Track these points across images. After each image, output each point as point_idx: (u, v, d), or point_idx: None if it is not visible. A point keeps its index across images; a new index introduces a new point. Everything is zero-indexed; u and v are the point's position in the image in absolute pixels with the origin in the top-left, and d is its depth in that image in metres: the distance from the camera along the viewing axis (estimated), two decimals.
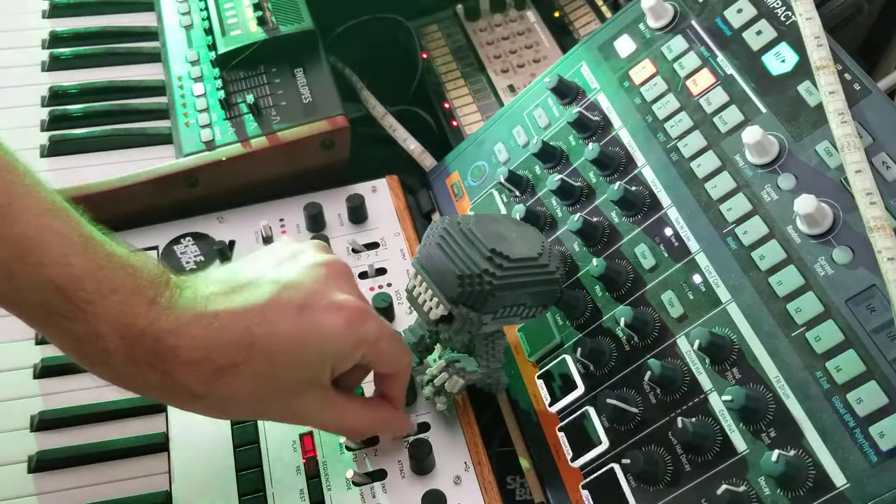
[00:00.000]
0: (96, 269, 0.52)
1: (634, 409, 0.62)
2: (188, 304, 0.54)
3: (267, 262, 0.60)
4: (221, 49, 0.88)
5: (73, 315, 0.52)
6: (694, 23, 0.72)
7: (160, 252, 0.81)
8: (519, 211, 0.74)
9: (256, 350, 0.55)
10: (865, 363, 0.54)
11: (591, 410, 0.65)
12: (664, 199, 0.68)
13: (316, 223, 0.81)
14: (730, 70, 0.69)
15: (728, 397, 0.57)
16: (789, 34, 0.67)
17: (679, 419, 0.58)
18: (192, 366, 0.54)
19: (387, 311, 0.74)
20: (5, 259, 0.50)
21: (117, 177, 0.80)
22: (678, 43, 0.73)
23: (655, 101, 0.72)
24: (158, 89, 0.90)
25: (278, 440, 0.68)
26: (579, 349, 0.65)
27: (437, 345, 0.70)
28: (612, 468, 0.62)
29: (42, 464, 0.66)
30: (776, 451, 0.53)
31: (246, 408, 0.59)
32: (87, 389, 0.70)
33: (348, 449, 0.68)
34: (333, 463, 0.67)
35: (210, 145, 0.82)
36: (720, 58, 0.70)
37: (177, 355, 0.53)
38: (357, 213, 0.82)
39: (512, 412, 0.71)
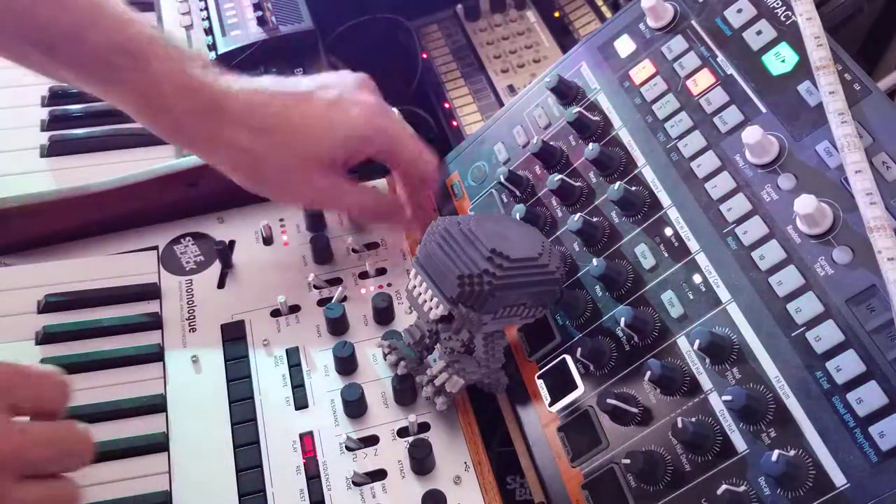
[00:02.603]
0: (148, 40, 0.65)
1: (634, 410, 0.62)
2: (239, 79, 0.68)
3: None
4: (221, 49, 0.88)
5: (138, 68, 0.64)
6: (694, 23, 0.72)
7: (160, 252, 0.81)
8: (519, 211, 0.74)
9: (291, 124, 0.68)
10: (865, 363, 0.54)
11: (591, 410, 0.65)
12: (664, 199, 0.68)
13: (316, 223, 0.81)
14: (730, 70, 0.69)
15: (728, 397, 0.57)
16: (789, 34, 0.67)
17: (679, 419, 0.58)
18: (240, 122, 0.66)
19: (387, 311, 0.74)
20: (78, 25, 0.63)
21: (117, 177, 0.80)
22: (678, 43, 0.73)
23: (655, 101, 0.72)
24: None
25: (278, 440, 0.68)
26: (579, 349, 0.65)
27: (437, 345, 0.70)
28: (612, 468, 0.62)
29: None
30: (776, 451, 0.53)
31: (275, 173, 0.69)
32: (87, 389, 0.70)
33: (348, 449, 0.68)
34: (333, 463, 0.67)
35: None
36: (720, 58, 0.70)
37: (229, 109, 0.66)
38: None
39: (512, 412, 0.71)
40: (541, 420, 0.68)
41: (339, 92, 0.70)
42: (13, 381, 0.51)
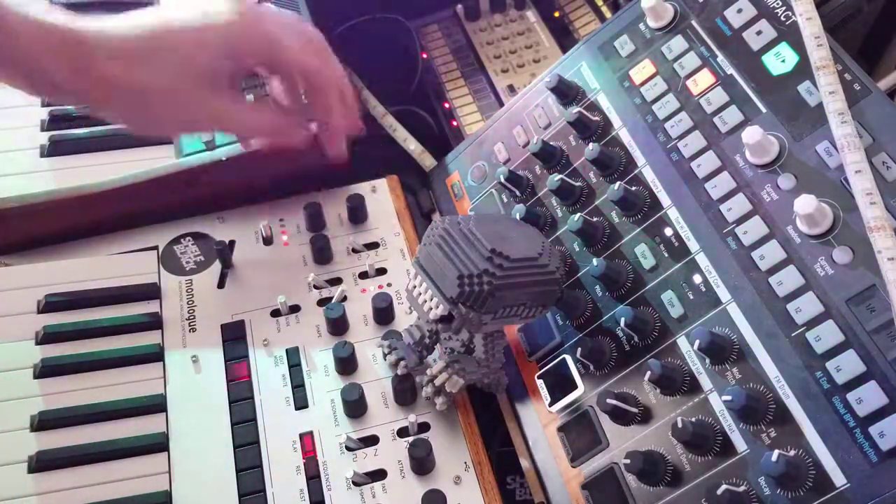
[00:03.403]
0: None
1: (634, 410, 0.62)
2: (100, 16, 0.64)
3: None
4: None
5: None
6: (694, 23, 0.72)
7: (160, 252, 0.81)
8: (519, 211, 0.74)
9: (164, 45, 0.63)
10: (865, 363, 0.54)
11: (591, 410, 0.65)
12: (664, 199, 0.68)
13: (316, 223, 0.82)
14: (730, 70, 0.69)
15: (728, 397, 0.57)
16: (789, 34, 0.67)
17: (679, 419, 0.58)
18: (109, 55, 0.62)
19: (387, 311, 0.74)
20: None
21: (117, 177, 0.80)
22: (678, 43, 0.73)
23: (655, 101, 0.72)
24: None
25: (278, 440, 0.68)
26: (579, 349, 0.65)
27: (437, 345, 0.70)
28: (612, 468, 0.62)
29: (42, 464, 0.66)
30: (776, 451, 0.53)
31: (162, 103, 0.65)
32: (87, 389, 0.70)
33: (348, 449, 0.68)
34: (333, 463, 0.67)
35: (210, 145, 0.82)
36: (720, 58, 0.70)
37: (95, 45, 0.62)
38: (357, 213, 0.82)
39: (512, 412, 0.71)
40: (541, 420, 0.68)
41: (204, 3, 0.66)
42: None
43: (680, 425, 0.58)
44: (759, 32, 0.68)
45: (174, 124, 0.70)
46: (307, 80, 0.70)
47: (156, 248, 0.81)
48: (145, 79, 0.63)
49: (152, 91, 0.64)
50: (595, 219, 0.71)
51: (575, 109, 0.75)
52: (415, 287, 0.64)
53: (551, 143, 0.76)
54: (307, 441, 0.68)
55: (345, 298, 0.77)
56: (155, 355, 0.73)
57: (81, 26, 0.62)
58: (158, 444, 0.68)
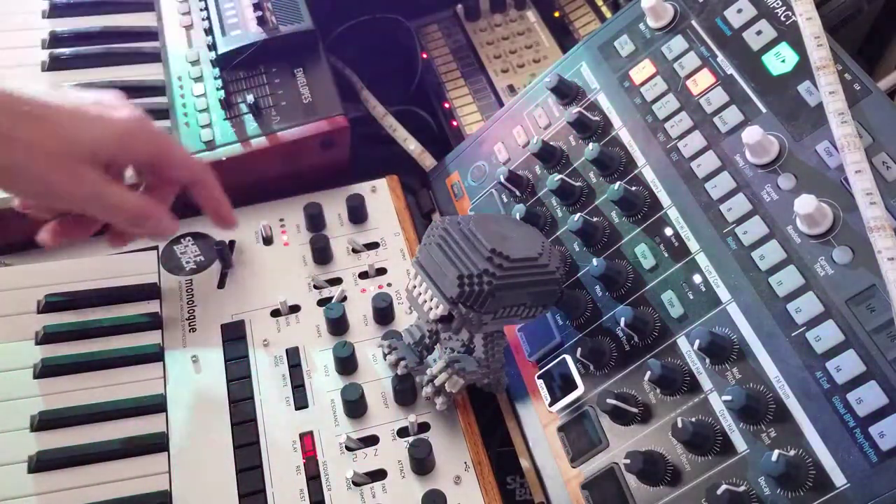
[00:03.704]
0: None
1: (634, 410, 0.62)
2: None
3: None
4: (221, 49, 0.88)
5: None
6: (694, 23, 0.72)
7: (160, 252, 0.81)
8: (519, 211, 0.74)
9: (61, 111, 0.62)
10: (865, 363, 0.54)
11: (591, 410, 0.65)
12: (664, 199, 0.68)
13: (316, 223, 0.81)
14: (730, 70, 0.69)
15: (728, 397, 0.57)
16: (789, 34, 0.67)
17: (679, 419, 0.58)
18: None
19: (387, 311, 0.74)
20: None
21: None
22: (678, 43, 0.73)
23: (655, 101, 0.72)
24: (158, 89, 0.90)
25: (278, 440, 0.68)
26: (579, 349, 0.65)
27: (437, 345, 0.70)
28: (612, 468, 0.62)
29: (42, 464, 0.66)
30: (776, 451, 0.53)
31: (39, 164, 0.62)
32: (87, 389, 0.70)
33: (348, 449, 0.68)
34: (333, 463, 0.67)
35: (210, 145, 0.82)
36: (720, 58, 0.70)
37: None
38: (357, 213, 0.82)
39: (512, 412, 0.71)
40: (541, 420, 0.68)
41: (103, 100, 0.65)
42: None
43: (680, 425, 0.58)
44: (759, 32, 0.68)
45: (39, 187, 0.64)
46: (191, 181, 0.70)
47: (156, 248, 0.81)
48: (30, 138, 0.61)
49: (33, 149, 0.61)
50: (595, 219, 0.71)
51: (575, 109, 0.75)
52: (415, 287, 0.64)
53: (551, 143, 0.76)
54: (307, 441, 0.68)
55: (345, 298, 0.77)
56: (155, 355, 0.73)
57: None
58: (158, 444, 0.68)
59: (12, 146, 0.61)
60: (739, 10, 0.70)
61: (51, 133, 0.61)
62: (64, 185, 0.63)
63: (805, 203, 0.58)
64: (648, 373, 0.61)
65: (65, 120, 0.62)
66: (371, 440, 0.68)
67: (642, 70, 0.74)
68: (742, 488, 0.55)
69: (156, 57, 0.94)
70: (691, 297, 0.64)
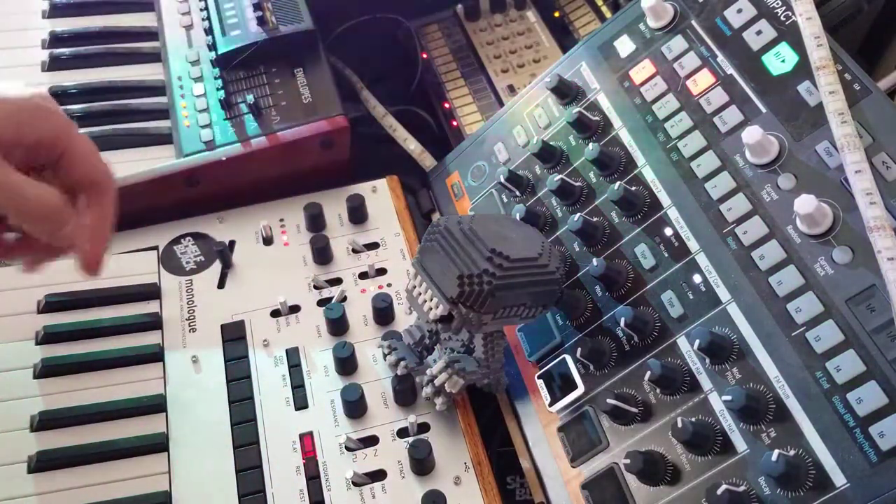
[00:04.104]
0: None
1: (634, 409, 0.62)
2: None
3: None
4: (221, 49, 0.88)
5: None
6: (694, 23, 0.72)
7: (160, 252, 0.81)
8: (519, 211, 0.74)
9: None
10: (865, 363, 0.54)
11: (591, 410, 0.65)
12: (664, 199, 0.68)
13: (316, 223, 0.81)
14: (730, 70, 0.69)
15: (728, 397, 0.57)
16: (789, 34, 0.67)
17: (679, 419, 0.58)
18: None
19: (387, 311, 0.74)
20: None
21: (117, 177, 0.80)
22: (678, 43, 0.73)
23: (655, 101, 0.72)
24: (158, 89, 0.90)
25: (278, 440, 0.68)
26: (579, 349, 0.65)
27: (437, 345, 0.70)
28: (612, 468, 0.62)
29: (42, 464, 0.66)
30: (776, 451, 0.53)
31: None
32: (87, 389, 0.70)
33: (348, 449, 0.68)
34: (333, 463, 0.67)
35: (210, 145, 0.82)
36: (720, 58, 0.70)
37: None
38: (357, 214, 0.82)
39: (512, 412, 0.71)
40: (541, 420, 0.68)
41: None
42: None
43: (680, 425, 0.58)
44: (758, 32, 0.68)
45: None
46: (91, 180, 0.61)
47: (156, 248, 0.81)
48: None
49: None
50: (595, 219, 0.71)
51: (575, 109, 0.75)
52: (415, 287, 0.64)
53: (551, 143, 0.76)
54: (307, 441, 0.68)
55: (345, 299, 0.77)
56: (155, 355, 0.73)
57: None
58: (158, 445, 0.68)
59: None
60: (739, 10, 0.70)
61: None
62: None
63: (805, 203, 0.58)
64: (648, 373, 0.61)
65: None
66: (371, 440, 0.68)
67: (642, 70, 0.74)
68: (742, 488, 0.55)
69: (156, 57, 0.94)
70: (691, 296, 0.64)
